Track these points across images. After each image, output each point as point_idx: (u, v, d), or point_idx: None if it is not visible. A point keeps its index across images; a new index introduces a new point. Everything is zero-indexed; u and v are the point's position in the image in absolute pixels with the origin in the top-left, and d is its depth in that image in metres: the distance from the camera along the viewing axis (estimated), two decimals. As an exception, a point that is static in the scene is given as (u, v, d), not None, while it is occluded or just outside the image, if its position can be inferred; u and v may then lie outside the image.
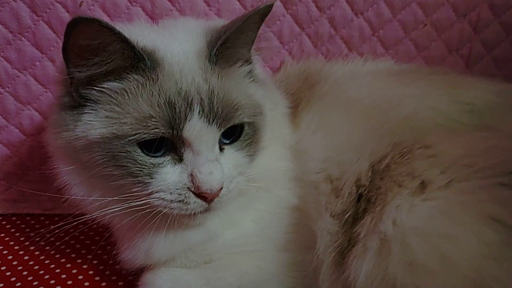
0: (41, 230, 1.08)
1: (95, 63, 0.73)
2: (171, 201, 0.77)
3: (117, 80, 0.75)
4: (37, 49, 1.15)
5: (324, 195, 0.90)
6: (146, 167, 0.75)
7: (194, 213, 0.80)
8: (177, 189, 0.77)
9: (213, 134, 0.77)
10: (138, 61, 0.74)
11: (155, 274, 0.90)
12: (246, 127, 0.83)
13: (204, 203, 0.78)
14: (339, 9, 1.19)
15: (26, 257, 1.09)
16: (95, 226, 0.88)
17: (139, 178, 0.76)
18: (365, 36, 1.22)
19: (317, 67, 1.09)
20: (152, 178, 0.76)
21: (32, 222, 1.22)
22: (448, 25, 1.22)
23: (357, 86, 0.99)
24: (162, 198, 0.77)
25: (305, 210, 0.93)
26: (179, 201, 0.77)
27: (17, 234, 1.18)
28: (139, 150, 0.75)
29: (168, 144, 0.76)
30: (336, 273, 0.86)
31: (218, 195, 0.78)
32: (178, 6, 1.15)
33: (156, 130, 0.73)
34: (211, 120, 0.75)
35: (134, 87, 0.74)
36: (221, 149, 0.81)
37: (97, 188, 0.82)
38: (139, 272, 0.94)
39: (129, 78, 0.75)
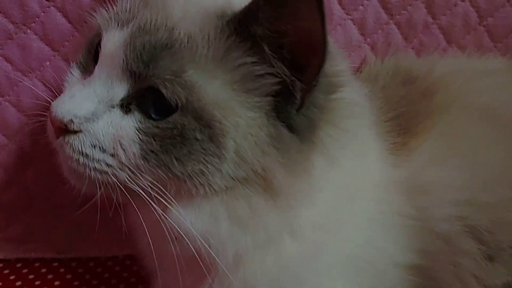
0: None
1: None
2: None
3: None
4: (46, 44, 0.96)
5: (467, 255, 0.68)
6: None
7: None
8: None
9: (121, 67, 0.61)
10: None
11: None
12: (177, 114, 0.58)
13: (51, 126, 0.64)
14: (440, -10, 1.00)
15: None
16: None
17: None
18: (470, 25, 1.02)
19: (423, 66, 0.87)
20: None
21: (44, 270, 1.04)
22: None
23: (488, 89, 0.78)
24: None
25: (432, 270, 0.70)
26: None
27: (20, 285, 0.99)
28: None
29: None
30: None
31: (66, 130, 0.61)
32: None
33: (96, 26, 0.67)
34: (133, 61, 0.60)
35: None
36: (128, 106, 0.61)
37: None
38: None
39: None
